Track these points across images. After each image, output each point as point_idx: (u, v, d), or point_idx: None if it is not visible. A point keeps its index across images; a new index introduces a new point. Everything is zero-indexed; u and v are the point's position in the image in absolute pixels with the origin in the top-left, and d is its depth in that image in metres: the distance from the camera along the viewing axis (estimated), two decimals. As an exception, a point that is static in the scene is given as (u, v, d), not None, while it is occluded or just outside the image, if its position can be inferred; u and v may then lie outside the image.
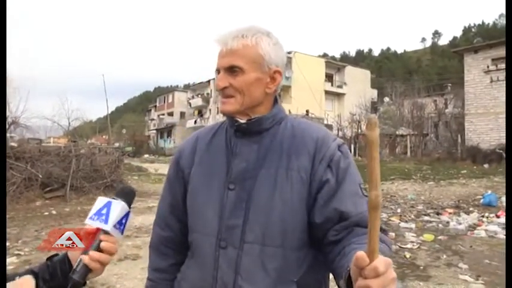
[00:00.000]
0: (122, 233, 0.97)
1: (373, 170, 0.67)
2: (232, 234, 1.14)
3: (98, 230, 0.94)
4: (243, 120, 1.20)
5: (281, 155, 1.17)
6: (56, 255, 1.04)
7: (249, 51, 1.16)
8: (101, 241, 0.93)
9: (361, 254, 0.70)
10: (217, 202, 1.18)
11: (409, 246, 6.69)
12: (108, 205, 0.96)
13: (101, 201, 0.98)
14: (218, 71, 1.20)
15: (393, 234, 7.47)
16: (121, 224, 0.96)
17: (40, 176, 11.16)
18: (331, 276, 1.25)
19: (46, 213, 9.52)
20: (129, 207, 0.99)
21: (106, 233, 0.94)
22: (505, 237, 7.23)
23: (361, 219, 1.06)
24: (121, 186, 1.17)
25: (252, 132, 1.21)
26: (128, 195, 1.01)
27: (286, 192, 1.13)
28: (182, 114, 55.16)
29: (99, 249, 0.93)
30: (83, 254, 0.93)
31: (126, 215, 0.98)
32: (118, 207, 0.96)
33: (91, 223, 0.95)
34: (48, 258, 1.03)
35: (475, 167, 17.22)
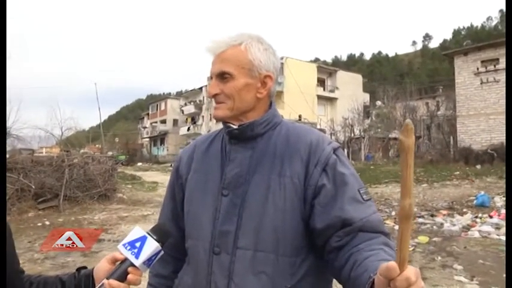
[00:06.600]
0: (149, 267, 0.99)
1: (407, 178, 0.65)
2: (225, 240, 1.14)
3: (126, 259, 0.96)
4: (235, 126, 1.21)
5: (274, 160, 1.17)
6: (84, 267, 1.08)
7: (238, 57, 1.18)
8: (127, 272, 0.95)
9: (393, 264, 0.69)
10: (211, 208, 1.19)
11: (404, 248, 6.70)
12: (143, 240, 0.97)
13: (137, 231, 0.99)
14: (211, 77, 1.22)
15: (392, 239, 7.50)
16: (150, 261, 0.97)
17: (33, 186, 11.04)
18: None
19: (39, 224, 9.41)
20: (162, 246, 0.99)
21: (133, 265, 0.96)
22: (497, 237, 7.29)
23: (365, 225, 1.06)
24: (160, 223, 1.19)
25: (245, 137, 1.21)
26: (164, 236, 1.02)
27: (279, 198, 1.13)
28: (175, 122, 55.04)
29: (123, 277, 0.95)
30: (106, 278, 0.94)
31: (157, 254, 0.99)
32: (152, 246, 0.97)
33: (123, 251, 0.96)
34: (78, 269, 1.07)
35: (467, 168, 17.32)
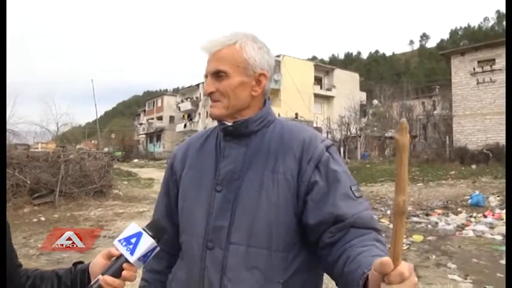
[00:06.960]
0: (144, 263, 0.99)
1: (402, 175, 0.67)
2: (218, 235, 1.16)
3: (122, 254, 0.96)
4: (229, 123, 1.22)
5: (268, 157, 1.19)
6: (81, 262, 1.08)
7: (233, 56, 1.19)
8: (122, 268, 0.95)
9: (387, 259, 0.70)
10: (205, 204, 1.20)
11: (398, 247, 6.73)
12: (138, 236, 0.97)
13: (133, 227, 0.99)
14: (207, 76, 1.23)
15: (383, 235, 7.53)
16: (145, 257, 0.98)
17: (28, 182, 11.01)
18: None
19: (35, 220, 9.38)
20: (157, 243, 0.99)
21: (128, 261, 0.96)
22: (491, 236, 7.34)
23: (356, 221, 1.07)
24: (155, 220, 1.19)
25: (239, 134, 1.22)
26: (160, 232, 1.02)
27: (272, 194, 1.14)
28: (171, 119, 54.94)
29: (118, 273, 0.95)
30: (102, 273, 0.94)
31: (153, 250, 0.99)
32: (148, 242, 0.97)
33: (118, 247, 0.97)
34: (74, 264, 1.07)
35: (463, 168, 17.40)
